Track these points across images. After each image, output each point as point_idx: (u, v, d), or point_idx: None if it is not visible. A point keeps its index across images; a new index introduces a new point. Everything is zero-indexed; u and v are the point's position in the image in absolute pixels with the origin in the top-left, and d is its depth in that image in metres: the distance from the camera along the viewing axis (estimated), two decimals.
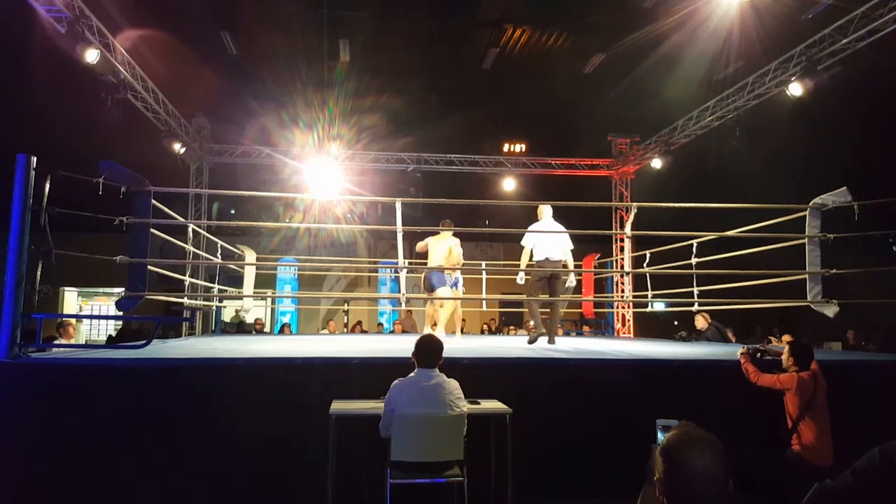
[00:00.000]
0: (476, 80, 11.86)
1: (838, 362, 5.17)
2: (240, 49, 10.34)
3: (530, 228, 6.55)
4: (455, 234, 7.22)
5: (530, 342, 6.43)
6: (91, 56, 7.81)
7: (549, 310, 6.82)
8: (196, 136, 12.18)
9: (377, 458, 3.68)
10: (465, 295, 7.93)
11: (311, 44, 10.09)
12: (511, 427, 3.76)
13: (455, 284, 7.44)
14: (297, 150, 12.70)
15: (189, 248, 7.01)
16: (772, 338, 8.19)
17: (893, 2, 7.04)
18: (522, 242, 6.58)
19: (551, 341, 6.40)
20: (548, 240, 6.41)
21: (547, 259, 6.38)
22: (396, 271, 10.92)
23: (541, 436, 4.19)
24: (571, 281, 6.66)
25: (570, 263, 6.60)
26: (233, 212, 17.46)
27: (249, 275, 8.50)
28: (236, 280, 9.47)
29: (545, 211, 6.68)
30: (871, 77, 9.10)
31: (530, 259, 6.54)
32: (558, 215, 6.87)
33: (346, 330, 13.29)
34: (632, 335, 12.71)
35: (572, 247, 6.60)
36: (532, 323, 7.43)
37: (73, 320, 7.76)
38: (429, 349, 3.64)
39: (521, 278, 6.56)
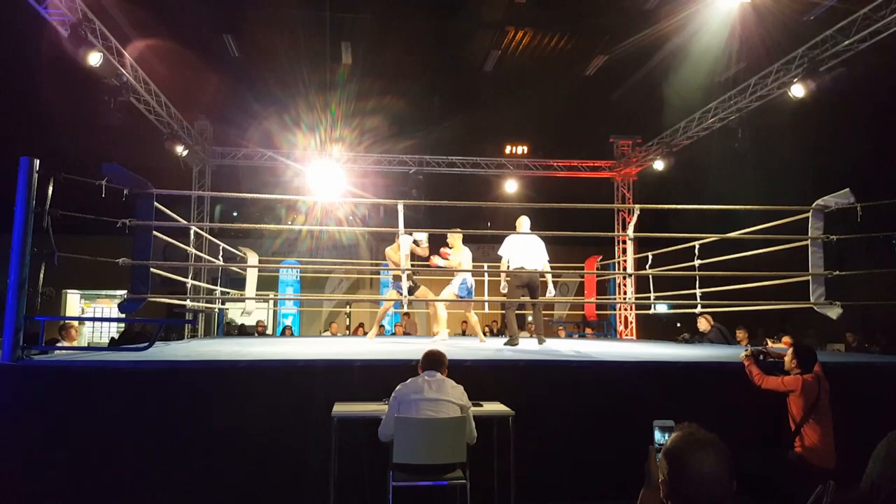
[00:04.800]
0: (478, 82, 11.87)
1: (841, 364, 5.16)
2: (242, 52, 10.36)
3: (507, 239, 6.76)
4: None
5: (509, 344, 6.58)
6: (94, 59, 7.82)
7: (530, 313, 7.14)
8: (198, 138, 12.19)
9: (379, 461, 3.68)
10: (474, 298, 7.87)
11: (313, 46, 10.11)
12: (513, 429, 3.75)
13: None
14: (299, 153, 12.71)
15: (191, 250, 7.03)
16: (768, 339, 8.16)
17: (895, 3, 7.03)
18: (500, 252, 6.81)
19: (541, 342, 6.70)
20: (524, 250, 6.63)
21: (522, 268, 6.59)
22: None
23: (543, 438, 4.18)
24: (550, 290, 6.91)
25: (548, 272, 6.86)
26: (235, 214, 17.48)
27: (252, 277, 8.51)
28: (238, 282, 9.48)
29: (523, 222, 6.89)
30: (874, 78, 9.09)
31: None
32: (561, 217, 6.92)
33: (347, 332, 13.28)
34: (634, 337, 12.69)
35: (548, 257, 6.81)
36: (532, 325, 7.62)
37: (75, 323, 7.79)
38: (434, 360, 3.77)
39: (502, 286, 7.05)
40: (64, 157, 4.74)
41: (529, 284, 6.65)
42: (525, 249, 6.64)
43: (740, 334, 8.32)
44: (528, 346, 6.62)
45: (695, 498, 1.49)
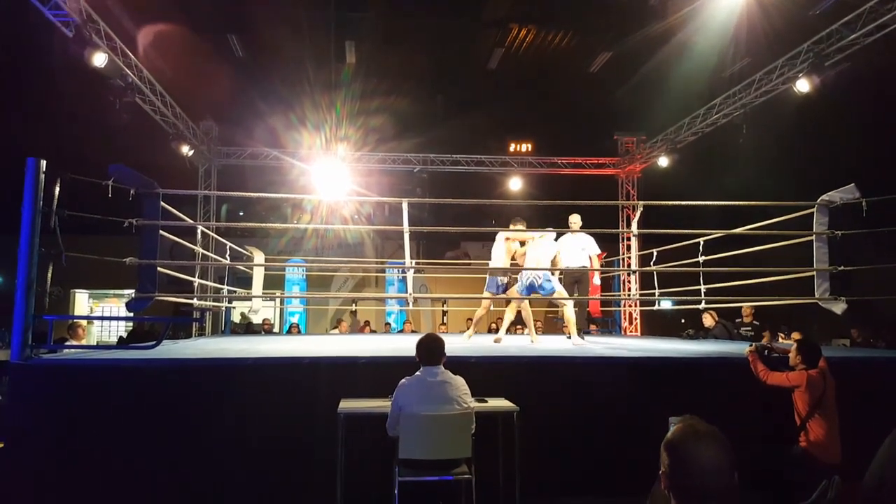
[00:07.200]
0: (482, 80, 11.87)
1: (847, 359, 5.15)
2: (247, 52, 10.39)
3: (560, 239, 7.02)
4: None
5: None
6: (99, 60, 7.85)
7: (577, 309, 7.22)
8: (204, 138, 12.24)
9: (385, 457, 3.70)
10: (473, 294, 7.84)
11: (317, 46, 10.12)
12: (519, 425, 3.76)
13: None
14: (304, 152, 12.75)
15: (198, 249, 7.06)
16: (780, 335, 8.14)
17: None
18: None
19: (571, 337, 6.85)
20: (569, 249, 7.03)
21: (567, 266, 6.96)
22: (404, 271, 10.95)
23: (548, 434, 4.19)
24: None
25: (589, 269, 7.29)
26: (241, 213, 17.55)
27: (258, 276, 8.54)
28: (245, 281, 9.51)
29: (574, 222, 7.16)
30: (880, 73, 9.05)
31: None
32: (565, 215, 6.96)
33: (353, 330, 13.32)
34: (639, 333, 12.68)
35: (598, 251, 7.23)
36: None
37: (83, 322, 7.84)
38: (430, 347, 3.69)
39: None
40: (70, 158, 4.76)
41: (578, 281, 7.13)
42: (571, 247, 7.05)
43: (746, 310, 8.28)
44: (538, 343, 6.64)
45: (695, 489, 1.50)
